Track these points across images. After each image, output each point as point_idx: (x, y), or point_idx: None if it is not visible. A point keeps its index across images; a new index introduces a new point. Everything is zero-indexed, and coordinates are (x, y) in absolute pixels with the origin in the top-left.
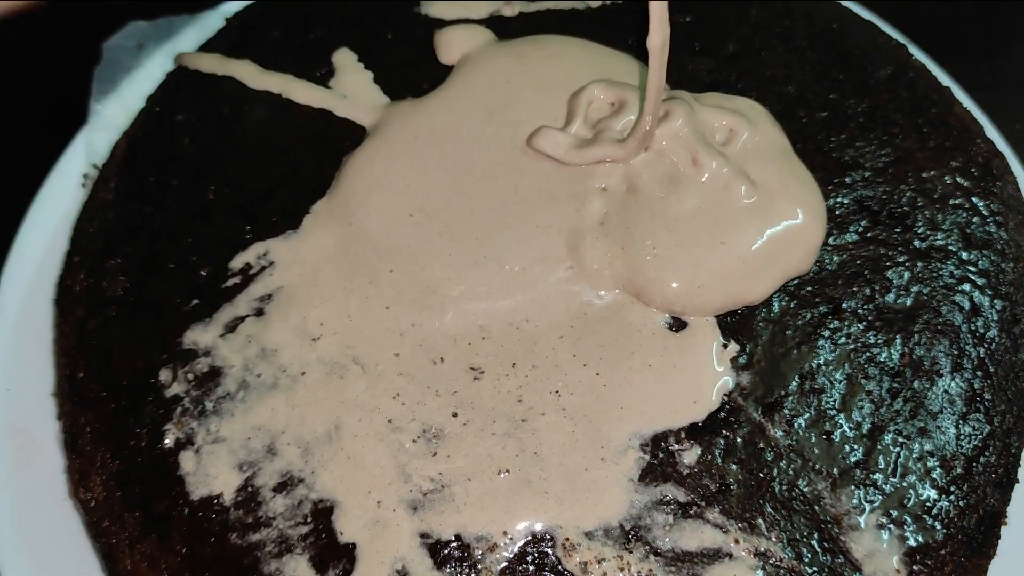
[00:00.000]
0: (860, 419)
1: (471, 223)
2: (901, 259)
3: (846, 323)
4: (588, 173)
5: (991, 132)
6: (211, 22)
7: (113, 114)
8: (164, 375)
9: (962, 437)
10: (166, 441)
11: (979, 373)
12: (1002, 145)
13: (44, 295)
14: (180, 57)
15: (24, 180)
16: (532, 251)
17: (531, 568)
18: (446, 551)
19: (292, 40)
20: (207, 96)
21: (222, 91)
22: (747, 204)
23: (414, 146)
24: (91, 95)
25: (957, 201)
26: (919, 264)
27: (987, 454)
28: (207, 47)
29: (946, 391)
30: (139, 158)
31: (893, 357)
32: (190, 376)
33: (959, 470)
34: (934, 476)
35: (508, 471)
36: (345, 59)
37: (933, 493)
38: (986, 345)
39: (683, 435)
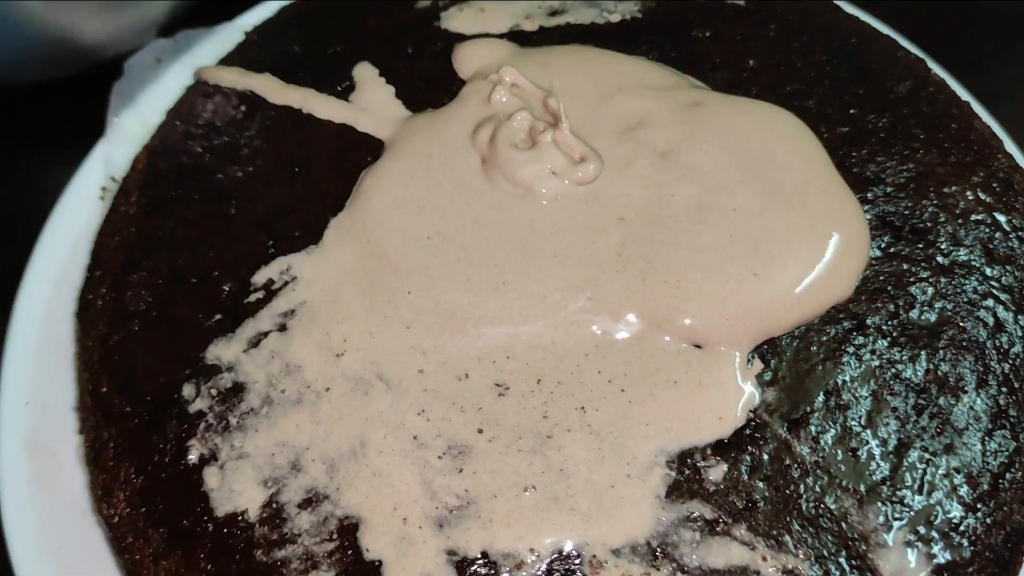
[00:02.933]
0: (886, 436)
1: (488, 250)
2: (924, 275)
3: (871, 339)
4: (605, 203)
5: (1010, 147)
6: (229, 36)
7: (131, 127)
8: (188, 390)
9: (988, 454)
10: (190, 457)
11: (1004, 389)
12: (1020, 159)
13: (63, 309)
14: (201, 71)
15: (41, 192)
16: (551, 280)
17: None
18: (472, 568)
19: (313, 54)
20: (228, 110)
21: (243, 105)
22: (786, 231)
23: (428, 164)
24: (109, 109)
25: (979, 216)
26: (942, 280)
27: (1013, 470)
28: (227, 61)
29: (971, 407)
30: (161, 172)
31: (918, 373)
32: (213, 391)
33: (985, 487)
34: (961, 493)
35: (534, 487)
36: (366, 73)
37: (960, 510)
38: (1011, 361)
39: (709, 451)
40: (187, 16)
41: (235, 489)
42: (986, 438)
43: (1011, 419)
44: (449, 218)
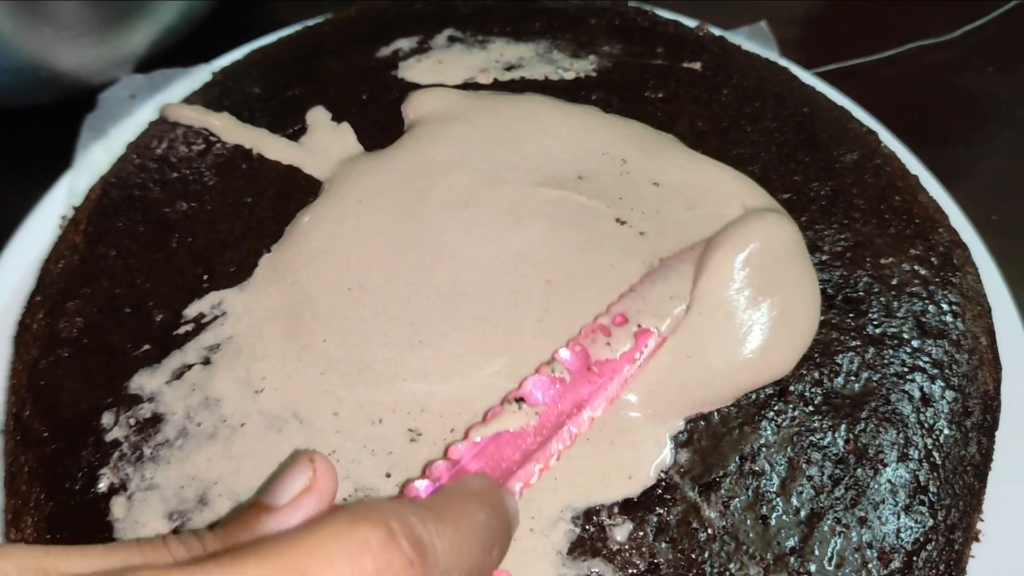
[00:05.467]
0: (799, 504)
1: (407, 308)
2: (853, 344)
3: (791, 406)
4: (535, 265)
5: (961, 222)
6: (202, 76)
7: (97, 159)
8: (107, 418)
9: (903, 530)
10: (100, 485)
11: (925, 465)
12: (973, 235)
13: (6, 333)
14: (164, 108)
15: (5, 219)
16: (468, 342)
17: None
18: None
19: (272, 96)
20: (182, 147)
21: (197, 143)
22: (747, 307)
23: (358, 211)
24: (79, 141)
25: (914, 289)
26: (871, 350)
27: (928, 548)
28: (190, 99)
29: (890, 481)
30: (111, 203)
31: (837, 443)
32: (132, 421)
33: (898, 564)
34: (871, 568)
35: None
36: (318, 117)
37: None
38: (934, 436)
39: (616, 510)
40: (166, 56)
41: (139, 520)
42: (902, 513)
43: (930, 495)
44: (373, 271)
